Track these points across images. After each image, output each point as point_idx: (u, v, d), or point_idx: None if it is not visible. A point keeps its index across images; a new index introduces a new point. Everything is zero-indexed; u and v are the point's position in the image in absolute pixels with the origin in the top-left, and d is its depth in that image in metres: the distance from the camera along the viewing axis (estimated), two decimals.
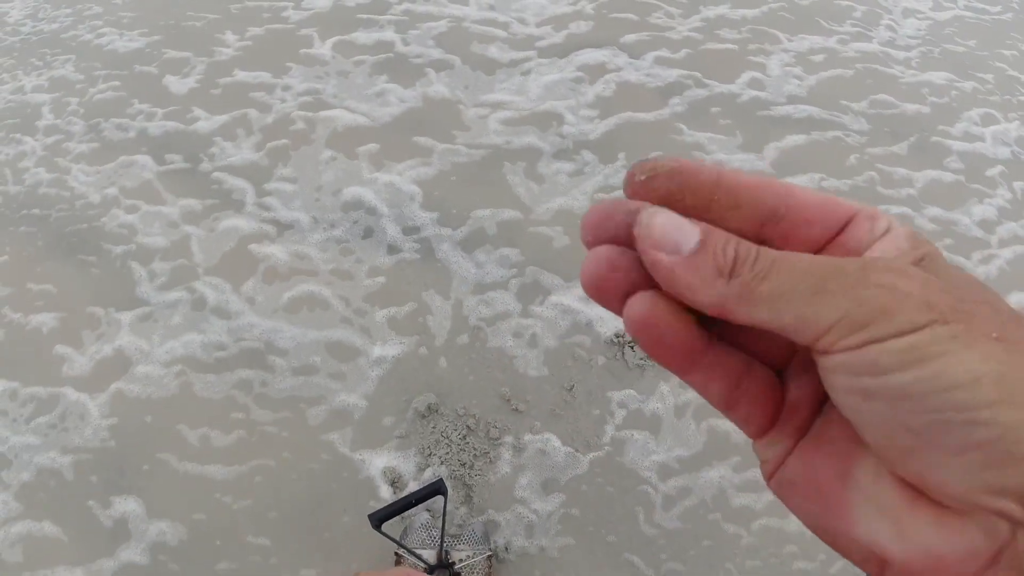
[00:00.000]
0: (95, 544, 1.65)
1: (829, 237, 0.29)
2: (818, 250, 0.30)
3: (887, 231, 0.29)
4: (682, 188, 0.29)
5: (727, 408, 0.30)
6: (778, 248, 0.29)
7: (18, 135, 2.63)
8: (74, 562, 1.63)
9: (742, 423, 0.30)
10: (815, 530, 0.29)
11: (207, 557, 1.62)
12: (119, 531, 1.67)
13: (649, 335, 0.28)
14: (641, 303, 0.28)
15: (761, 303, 0.25)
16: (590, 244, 0.29)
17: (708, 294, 0.26)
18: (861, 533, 0.26)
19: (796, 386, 0.30)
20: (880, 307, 0.24)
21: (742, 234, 0.29)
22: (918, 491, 0.25)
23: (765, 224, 0.29)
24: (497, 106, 2.56)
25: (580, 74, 2.69)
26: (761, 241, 0.29)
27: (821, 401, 0.29)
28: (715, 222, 0.29)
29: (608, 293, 0.29)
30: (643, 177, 0.29)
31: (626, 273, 0.28)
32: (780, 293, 0.25)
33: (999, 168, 2.46)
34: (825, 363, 0.25)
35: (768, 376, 0.30)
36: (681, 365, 0.29)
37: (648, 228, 0.27)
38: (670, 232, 0.27)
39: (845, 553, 0.28)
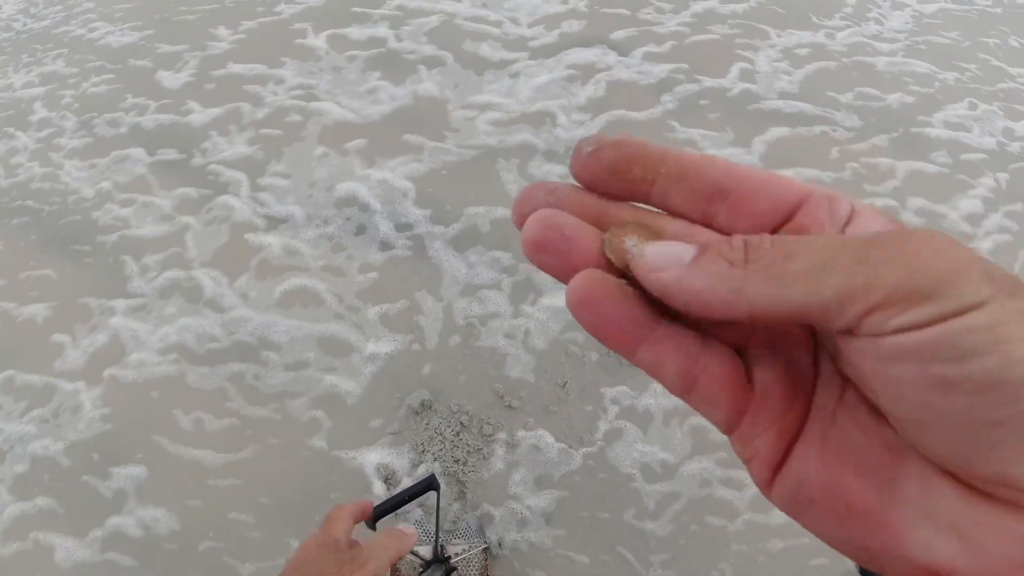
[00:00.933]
0: (89, 520, 1.70)
1: (781, 218, 0.27)
2: (772, 230, 0.27)
3: (853, 214, 0.26)
4: (628, 159, 0.28)
5: (686, 390, 0.27)
6: (728, 225, 0.28)
7: (11, 129, 2.63)
8: (67, 532, 1.68)
9: (708, 409, 0.27)
10: (844, 547, 0.25)
11: (198, 538, 1.66)
12: (114, 510, 1.71)
13: (591, 310, 0.26)
14: (582, 278, 0.26)
15: (793, 281, 0.22)
16: (518, 224, 0.29)
17: (726, 289, 0.23)
18: (917, 553, 0.23)
19: (762, 368, 0.27)
20: (941, 275, 0.20)
21: (688, 210, 0.28)
22: (983, 495, 0.22)
23: (712, 199, 0.28)
24: (485, 107, 2.58)
25: (572, 72, 2.70)
26: (708, 218, 0.28)
27: (794, 384, 0.27)
28: (662, 195, 0.28)
29: (547, 249, 0.28)
30: (590, 149, 0.28)
31: (561, 230, 0.28)
32: (815, 266, 0.22)
33: (984, 158, 2.48)
34: (878, 350, 0.22)
35: (726, 352, 0.27)
36: (628, 341, 0.27)
37: (643, 257, 0.26)
38: (666, 251, 0.25)
39: (884, 571, 0.24)
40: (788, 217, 0.27)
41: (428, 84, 2.66)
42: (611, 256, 0.28)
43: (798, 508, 0.26)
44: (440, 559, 1.41)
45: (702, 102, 2.59)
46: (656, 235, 0.28)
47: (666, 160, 0.28)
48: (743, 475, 1.72)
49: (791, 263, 0.22)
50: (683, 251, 0.25)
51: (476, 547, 1.54)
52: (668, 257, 0.25)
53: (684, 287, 0.24)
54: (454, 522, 1.66)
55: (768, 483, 0.27)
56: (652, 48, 2.80)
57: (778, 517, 1.66)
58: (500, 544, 1.63)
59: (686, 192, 0.28)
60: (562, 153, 2.40)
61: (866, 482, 0.24)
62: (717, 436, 1.78)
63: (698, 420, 1.79)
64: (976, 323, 0.20)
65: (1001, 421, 0.20)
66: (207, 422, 1.82)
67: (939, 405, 0.21)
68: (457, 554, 1.50)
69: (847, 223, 0.26)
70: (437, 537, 1.39)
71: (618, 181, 0.28)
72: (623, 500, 1.70)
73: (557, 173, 2.34)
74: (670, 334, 0.27)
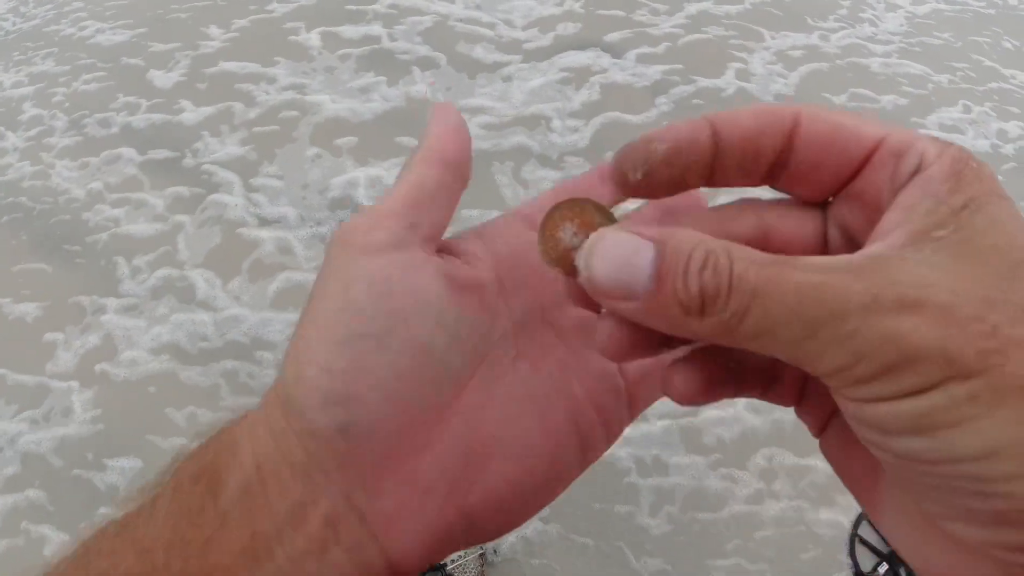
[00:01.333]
0: (82, 516, 1.69)
1: (843, 181, 0.25)
2: (833, 193, 0.26)
3: (918, 169, 0.22)
4: (684, 171, 0.25)
5: (761, 399, 0.29)
6: (786, 189, 0.26)
7: (1, 128, 2.61)
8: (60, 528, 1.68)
9: (775, 403, 0.29)
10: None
11: None
12: (107, 503, 1.70)
13: (685, 402, 0.27)
14: (677, 385, 0.26)
15: (745, 340, 0.22)
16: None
17: (684, 332, 0.22)
18: (887, 534, 0.25)
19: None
20: (884, 365, 0.20)
21: (750, 182, 0.26)
22: None
23: (772, 169, 0.25)
24: (478, 111, 2.56)
25: (566, 74, 2.70)
26: (771, 182, 0.26)
27: None
28: (722, 180, 0.26)
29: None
30: (640, 176, 0.25)
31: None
32: (765, 332, 0.21)
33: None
34: (834, 396, 0.23)
35: (794, 373, 0.28)
36: (712, 400, 0.27)
37: (591, 279, 0.23)
38: (615, 275, 0.23)
39: None
40: (851, 178, 0.25)
41: (421, 86, 2.65)
42: (546, 260, 0.25)
43: (829, 459, 0.29)
44: (435, 566, 1.41)
45: (697, 103, 2.59)
46: (597, 214, 0.25)
47: (720, 147, 0.25)
48: (736, 473, 1.73)
49: (743, 324, 0.21)
50: (636, 276, 0.22)
51: (472, 553, 1.54)
52: (620, 288, 0.23)
53: (646, 322, 0.23)
54: None
55: (819, 436, 0.29)
56: (646, 49, 2.80)
57: (769, 511, 1.66)
58: (496, 551, 1.63)
59: (746, 170, 0.25)
60: (556, 158, 2.39)
61: (864, 463, 0.26)
62: (710, 438, 1.78)
63: (690, 421, 1.79)
64: (903, 410, 0.20)
65: (926, 485, 0.22)
66: (200, 416, 1.82)
67: (874, 453, 0.23)
68: (452, 560, 1.50)
69: (906, 185, 0.23)
70: None
71: (678, 191, 0.26)
72: (619, 497, 1.69)
73: (552, 178, 2.33)
74: (745, 380, 0.28)
